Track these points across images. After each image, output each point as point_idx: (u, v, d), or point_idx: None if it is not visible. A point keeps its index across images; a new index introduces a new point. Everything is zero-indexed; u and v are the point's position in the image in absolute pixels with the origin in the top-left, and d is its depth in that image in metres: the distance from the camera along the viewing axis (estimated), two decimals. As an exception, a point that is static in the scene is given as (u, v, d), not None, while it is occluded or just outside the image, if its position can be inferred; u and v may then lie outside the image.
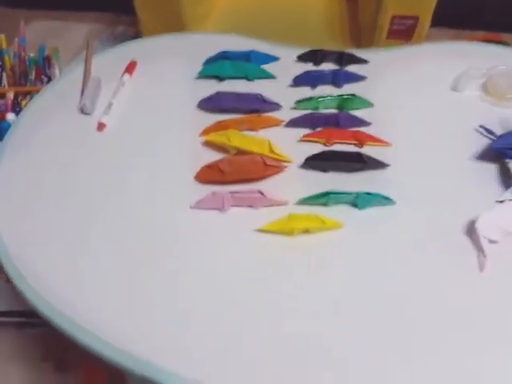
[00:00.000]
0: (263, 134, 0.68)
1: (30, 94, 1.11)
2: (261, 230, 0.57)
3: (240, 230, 0.58)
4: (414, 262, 0.55)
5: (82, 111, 0.70)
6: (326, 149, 0.65)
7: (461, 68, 0.75)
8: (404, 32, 1.04)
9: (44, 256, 0.56)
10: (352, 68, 0.76)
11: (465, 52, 0.81)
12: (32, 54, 1.20)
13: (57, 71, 1.18)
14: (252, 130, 0.68)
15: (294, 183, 0.62)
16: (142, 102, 0.72)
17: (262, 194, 0.59)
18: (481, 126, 0.67)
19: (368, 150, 0.65)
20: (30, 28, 1.65)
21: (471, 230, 0.57)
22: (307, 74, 0.73)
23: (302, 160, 0.63)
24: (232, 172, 0.61)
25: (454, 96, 0.73)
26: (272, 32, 1.12)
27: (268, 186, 0.62)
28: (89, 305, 0.52)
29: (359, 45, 1.13)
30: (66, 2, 1.68)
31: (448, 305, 0.52)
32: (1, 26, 1.49)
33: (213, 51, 0.77)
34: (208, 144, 0.66)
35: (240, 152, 0.64)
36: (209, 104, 0.70)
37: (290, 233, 0.57)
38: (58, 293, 0.53)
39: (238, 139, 0.64)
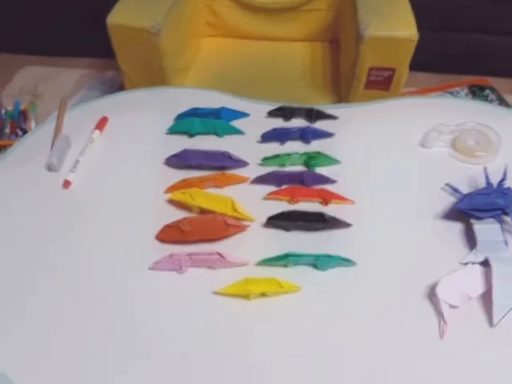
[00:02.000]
0: (228, 191, 0.68)
1: (3, 148, 1.12)
2: (218, 293, 0.56)
3: (197, 292, 0.57)
4: (374, 325, 0.54)
5: (49, 168, 0.70)
6: (290, 207, 0.64)
7: (430, 124, 0.75)
8: (382, 82, 1.06)
9: None
10: (321, 124, 0.77)
11: (434, 107, 0.81)
12: (9, 108, 1.22)
13: (33, 124, 1.19)
14: (217, 187, 0.68)
15: (255, 242, 0.62)
16: (109, 159, 0.73)
17: (220, 255, 0.58)
18: (447, 185, 0.67)
19: (332, 208, 0.64)
20: (24, 72, 1.69)
21: (432, 294, 0.56)
22: (275, 130, 0.74)
23: (265, 218, 0.63)
24: (192, 231, 0.61)
25: (422, 152, 0.73)
26: (253, 81, 1.15)
27: (229, 245, 0.61)
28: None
29: (339, 94, 1.14)
30: (61, 48, 1.72)
31: (408, 370, 0.51)
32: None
33: (185, 106, 0.78)
34: (172, 202, 0.66)
35: (203, 211, 0.64)
36: (176, 161, 0.70)
37: (246, 296, 0.56)
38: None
39: (201, 198, 0.64)
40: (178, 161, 0.70)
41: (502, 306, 0.53)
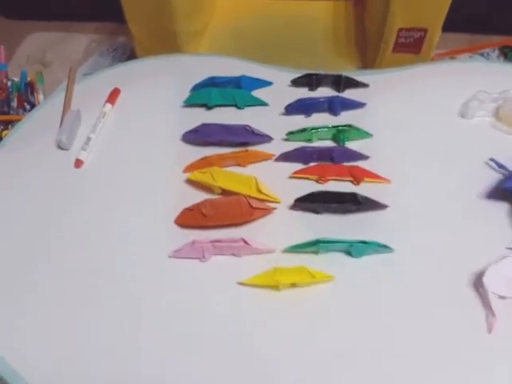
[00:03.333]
0: (251, 169, 0.62)
1: (11, 124, 1.07)
2: (244, 284, 0.52)
3: (221, 282, 0.53)
4: (415, 317, 0.50)
5: (59, 146, 0.65)
6: (318, 187, 0.59)
7: (470, 91, 0.69)
8: (412, 45, 0.98)
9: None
10: (351, 93, 0.70)
11: (475, 72, 0.74)
12: (16, 79, 1.15)
13: (41, 97, 1.13)
14: (239, 165, 0.63)
15: (282, 227, 0.57)
16: (122, 135, 0.67)
17: (245, 242, 0.53)
18: (491, 160, 0.61)
19: (365, 188, 0.59)
20: (31, 39, 1.62)
21: (478, 283, 0.51)
22: (300, 101, 0.67)
23: (293, 200, 0.58)
24: (214, 215, 0.56)
25: (462, 123, 0.67)
26: (272, 46, 1.08)
27: (254, 229, 0.57)
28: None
29: (364, 59, 1.07)
30: (68, 12, 1.64)
31: (454, 366, 0.47)
32: (3, 38, 1.47)
33: (202, 75, 0.72)
34: (191, 182, 0.61)
35: (224, 192, 0.59)
36: (194, 137, 0.65)
37: (275, 287, 0.51)
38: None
39: (222, 178, 0.59)
40: (196, 137, 0.65)
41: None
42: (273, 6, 1.19)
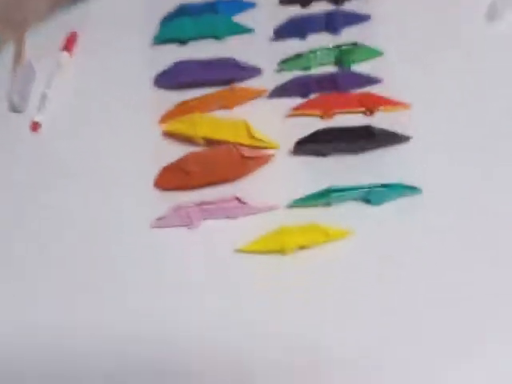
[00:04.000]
0: (240, 111, 0.52)
1: None
2: (242, 251, 0.43)
3: (215, 251, 0.44)
4: (450, 269, 0.41)
5: (12, 109, 0.55)
6: (323, 124, 0.48)
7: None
8: None
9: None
10: (351, 5, 0.58)
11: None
12: None
13: None
14: (226, 107, 0.52)
15: (283, 178, 0.47)
16: (84, 88, 0.56)
17: (240, 200, 0.44)
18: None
19: (381, 118, 0.48)
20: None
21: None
22: (292, 21, 0.55)
23: (293, 143, 0.47)
24: (200, 172, 0.46)
25: (491, 28, 0.55)
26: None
27: (250, 184, 0.47)
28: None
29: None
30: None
31: (495, 318, 0.38)
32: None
33: (171, 4, 0.60)
34: (169, 135, 0.50)
35: (210, 142, 0.49)
36: (168, 79, 0.54)
37: (281, 251, 0.42)
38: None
39: (205, 125, 0.49)
40: (170, 79, 0.54)
41: None
42: None
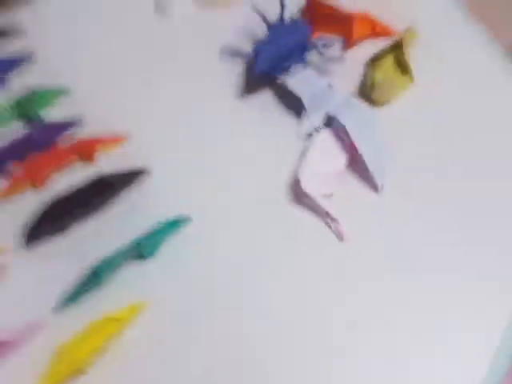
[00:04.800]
0: None
1: None
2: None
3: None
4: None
5: None
6: (40, 197, 0.38)
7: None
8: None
9: None
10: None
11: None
12: None
13: None
14: None
15: (22, 287, 0.35)
16: None
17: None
18: (224, 53, 0.49)
19: (107, 161, 0.41)
20: None
21: (299, 194, 0.40)
22: None
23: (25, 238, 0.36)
24: None
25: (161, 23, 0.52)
26: None
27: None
28: None
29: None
30: None
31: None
32: None
33: None
34: None
35: None
36: None
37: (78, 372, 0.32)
38: None
39: None
40: None
41: (378, 168, 0.41)
42: None
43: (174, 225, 0.37)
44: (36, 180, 0.39)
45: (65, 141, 0.41)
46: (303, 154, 0.41)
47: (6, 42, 0.48)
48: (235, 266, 0.36)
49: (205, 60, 0.48)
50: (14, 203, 0.38)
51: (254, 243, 0.38)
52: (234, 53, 0.48)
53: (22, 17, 0.50)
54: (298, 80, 0.44)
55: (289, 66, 0.45)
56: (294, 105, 0.44)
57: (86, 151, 0.40)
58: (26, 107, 0.42)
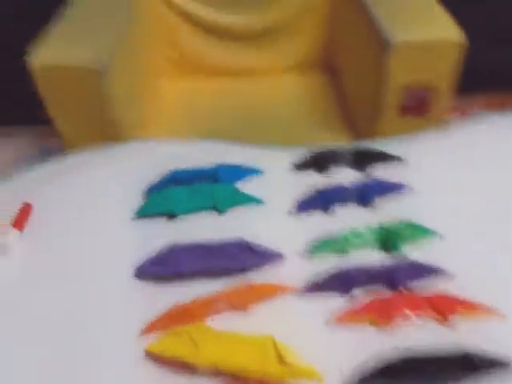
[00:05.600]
0: (260, 315, 0.36)
1: None
2: None
3: None
4: None
5: None
6: (380, 340, 0.34)
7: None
8: (418, 106, 0.79)
9: None
10: (379, 171, 0.47)
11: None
12: None
13: None
14: (237, 309, 0.37)
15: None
16: (35, 283, 0.40)
17: None
18: None
19: (466, 330, 0.34)
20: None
21: None
22: (320, 193, 0.44)
23: (350, 372, 0.32)
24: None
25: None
26: (238, 129, 0.85)
27: None
28: None
29: (354, 128, 0.87)
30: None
31: None
32: None
33: (159, 170, 0.48)
34: (155, 357, 0.34)
35: (219, 372, 0.32)
36: (156, 270, 0.39)
37: None
38: None
39: (212, 344, 0.33)
40: (160, 269, 0.39)
41: None
42: (232, 82, 0.98)
43: None
44: (381, 317, 0.35)
45: (421, 287, 0.37)
46: None
47: (386, 166, 0.48)
48: None
49: None
50: (352, 339, 0.34)
51: None
52: None
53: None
54: None
55: None
56: None
57: (442, 308, 0.35)
58: (391, 235, 0.40)
